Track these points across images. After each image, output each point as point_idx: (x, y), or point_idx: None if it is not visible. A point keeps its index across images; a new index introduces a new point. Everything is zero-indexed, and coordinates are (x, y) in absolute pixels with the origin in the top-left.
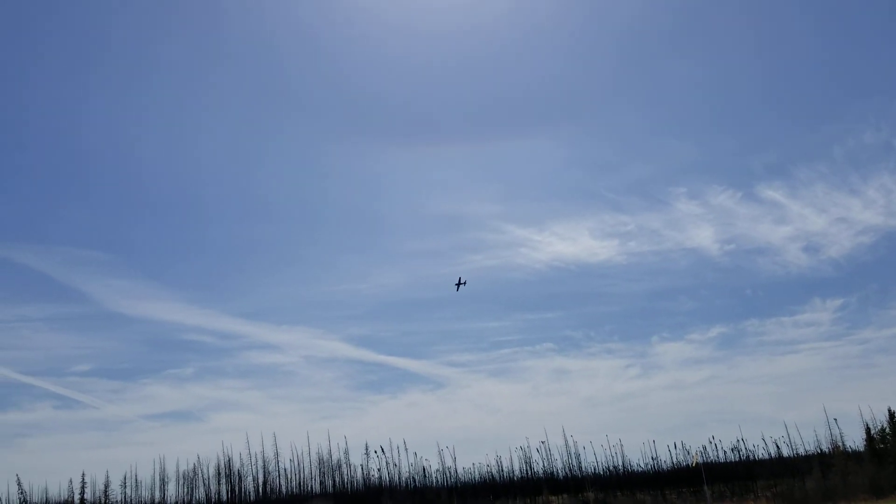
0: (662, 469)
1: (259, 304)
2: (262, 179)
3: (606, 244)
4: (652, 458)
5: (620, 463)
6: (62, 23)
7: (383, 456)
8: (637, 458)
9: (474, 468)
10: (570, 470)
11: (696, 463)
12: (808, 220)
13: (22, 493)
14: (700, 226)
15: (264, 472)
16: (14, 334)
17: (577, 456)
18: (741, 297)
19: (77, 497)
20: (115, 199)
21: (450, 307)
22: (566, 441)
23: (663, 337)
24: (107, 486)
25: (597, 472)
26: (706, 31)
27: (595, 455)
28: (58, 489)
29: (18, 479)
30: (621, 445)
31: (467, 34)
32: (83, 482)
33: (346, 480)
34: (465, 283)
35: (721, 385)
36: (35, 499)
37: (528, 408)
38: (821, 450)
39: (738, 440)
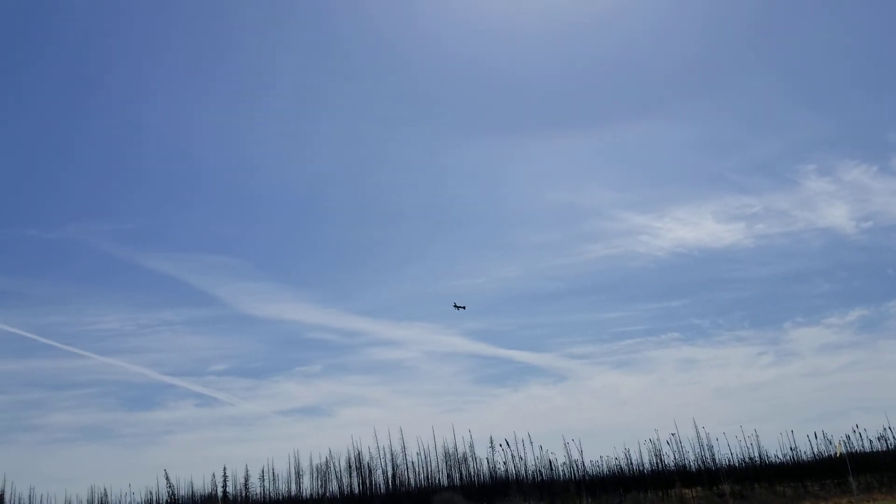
0: (802, 460)
1: (378, 302)
2: (380, 180)
3: (732, 228)
4: (791, 449)
5: (757, 454)
6: (181, 35)
7: (508, 449)
8: (774, 449)
9: (602, 461)
10: (704, 462)
11: (840, 453)
12: None
13: (170, 486)
14: (833, 204)
15: (393, 465)
16: (156, 338)
17: (710, 448)
18: (882, 277)
19: (220, 490)
20: (242, 207)
21: (568, 299)
22: (697, 433)
23: (797, 322)
24: (246, 479)
25: (732, 463)
26: None
27: (729, 447)
28: (202, 483)
29: (166, 473)
30: (757, 436)
31: (581, 20)
32: (224, 476)
33: (472, 473)
34: (463, 307)
35: (864, 371)
36: (182, 492)
37: (655, 399)
38: None
39: (885, 428)
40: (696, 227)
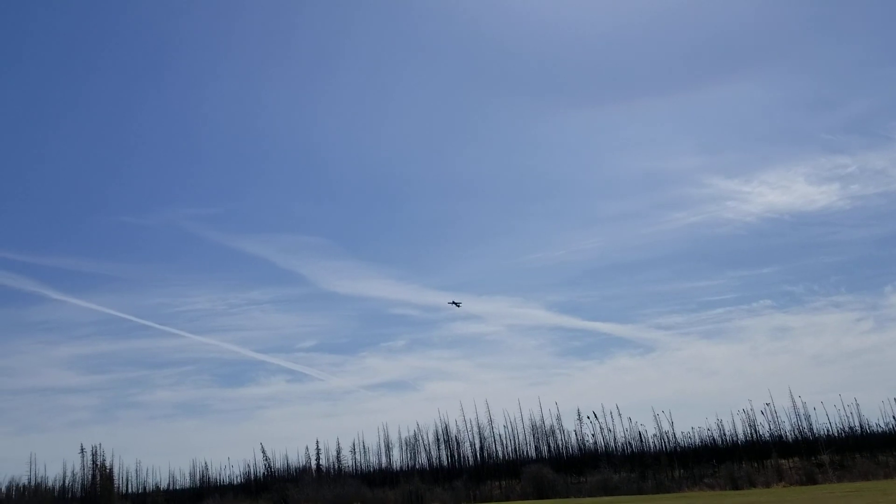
0: None
1: (459, 278)
2: (460, 154)
3: (825, 189)
4: (893, 418)
5: (857, 423)
6: (257, 20)
7: (596, 421)
8: (876, 418)
9: (693, 432)
10: (801, 432)
11: None
12: None
13: (266, 459)
14: None
15: (480, 437)
16: (247, 316)
17: (808, 417)
18: None
19: (313, 463)
20: (323, 186)
21: (653, 269)
22: (794, 402)
23: None
24: (338, 452)
25: (830, 433)
26: None
27: (827, 416)
28: (296, 456)
29: (262, 447)
30: (857, 405)
31: None
32: (318, 449)
33: (560, 446)
34: (459, 304)
35: None
36: (277, 465)
37: (748, 369)
38: None
39: None
40: (786, 190)
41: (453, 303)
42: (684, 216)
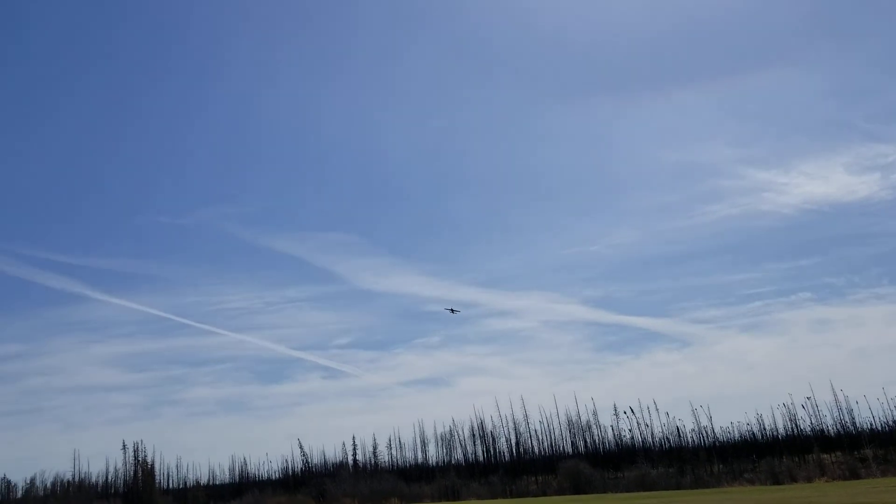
0: None
1: (493, 273)
2: (494, 152)
3: (866, 179)
4: None
5: None
6: (299, 19)
7: (633, 416)
8: None
9: (732, 427)
10: (843, 426)
11: None
12: None
13: (304, 454)
14: None
15: (516, 433)
16: (283, 314)
17: (850, 411)
18: None
19: (350, 458)
20: (354, 185)
21: (690, 263)
22: (835, 396)
23: None
24: (374, 447)
25: (873, 427)
26: None
27: (871, 410)
28: (333, 451)
29: (300, 442)
30: None
31: None
32: (354, 445)
33: (597, 441)
34: (458, 311)
35: None
36: (315, 460)
37: (787, 363)
38: None
39: None
40: (826, 180)
41: (450, 310)
42: (721, 208)
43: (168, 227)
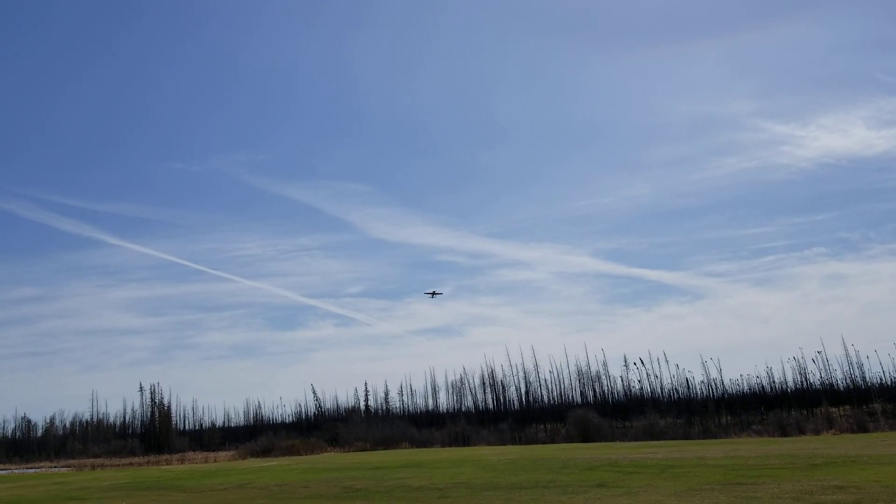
0: None
1: (505, 225)
2: (508, 102)
3: (885, 134)
4: None
5: None
6: None
7: (643, 367)
8: None
9: (742, 380)
10: (852, 381)
11: None
12: None
13: (317, 399)
14: None
15: (525, 382)
16: (296, 262)
17: (860, 366)
18: None
19: (362, 403)
20: (366, 134)
21: (704, 216)
22: (846, 350)
23: None
24: (386, 394)
25: (883, 382)
26: None
27: (881, 364)
28: (345, 397)
29: (313, 388)
30: None
31: None
32: (366, 391)
33: (606, 391)
34: (440, 293)
35: None
36: (327, 405)
37: (799, 317)
38: None
39: None
40: (844, 134)
41: (432, 293)
42: (737, 161)
43: (182, 174)
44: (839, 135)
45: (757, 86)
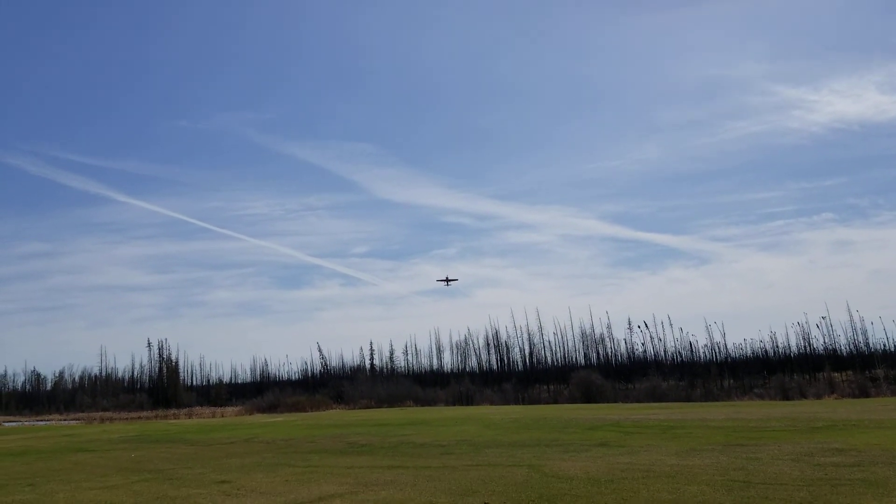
0: None
1: (513, 187)
2: (516, 62)
3: None
4: None
5: None
6: None
7: (647, 331)
8: None
9: (745, 344)
10: (856, 346)
11: None
12: None
13: (323, 358)
14: None
15: (530, 343)
16: (302, 222)
17: (864, 332)
18: None
19: (367, 362)
20: (373, 93)
21: (712, 180)
22: (851, 316)
23: None
24: (391, 353)
25: (887, 348)
26: None
27: (885, 331)
28: (351, 355)
29: (319, 346)
30: None
31: None
32: (371, 350)
33: (609, 353)
34: (455, 280)
35: None
36: (333, 363)
37: (805, 283)
38: None
39: None
40: (857, 99)
41: (446, 280)
42: (747, 125)
43: (187, 132)
44: (851, 99)
45: (769, 48)
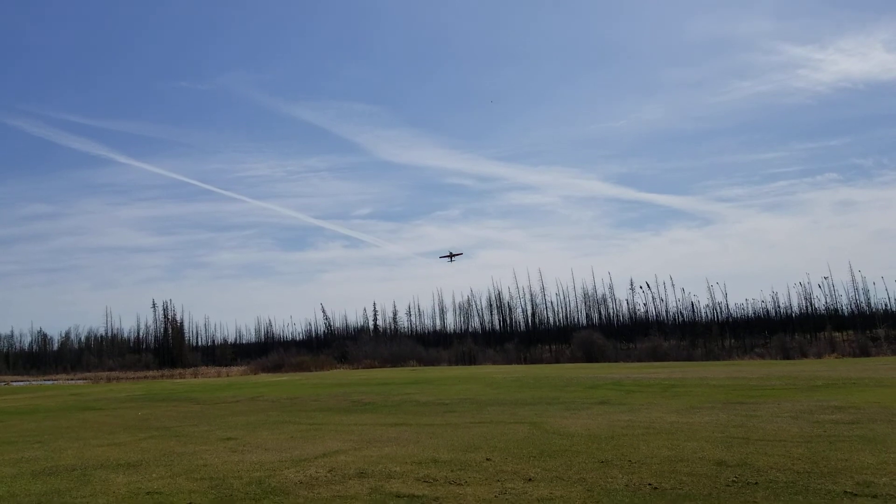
0: None
1: (515, 148)
2: (517, 21)
3: None
4: None
5: None
6: None
7: (649, 291)
8: None
9: (747, 304)
10: (857, 306)
11: None
12: None
13: (326, 318)
14: None
15: (532, 304)
16: (305, 183)
17: (866, 292)
18: None
19: (371, 323)
20: (374, 53)
21: (716, 140)
22: (853, 276)
23: None
24: (394, 314)
25: (888, 308)
26: None
27: (887, 291)
28: (354, 317)
29: (322, 307)
30: None
31: None
32: (375, 311)
33: (611, 314)
34: (459, 255)
35: None
36: (337, 324)
37: (808, 243)
38: None
39: None
40: (864, 57)
41: (450, 255)
42: (752, 84)
43: (188, 92)
44: (858, 58)
45: (775, 6)
